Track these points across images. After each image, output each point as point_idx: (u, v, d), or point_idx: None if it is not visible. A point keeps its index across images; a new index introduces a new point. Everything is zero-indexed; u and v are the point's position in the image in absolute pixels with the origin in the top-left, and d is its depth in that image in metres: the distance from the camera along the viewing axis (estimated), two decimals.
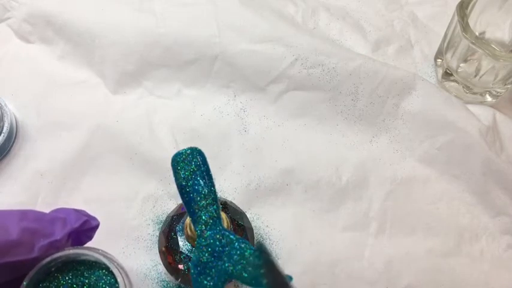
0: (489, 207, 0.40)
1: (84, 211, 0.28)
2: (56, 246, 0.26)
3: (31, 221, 0.25)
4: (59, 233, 0.26)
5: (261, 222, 0.39)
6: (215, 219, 0.25)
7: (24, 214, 0.25)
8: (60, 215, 0.26)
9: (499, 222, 0.40)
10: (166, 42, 0.43)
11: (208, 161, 0.26)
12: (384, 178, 0.41)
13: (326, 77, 0.43)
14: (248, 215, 0.37)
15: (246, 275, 0.23)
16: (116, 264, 0.27)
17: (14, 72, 0.44)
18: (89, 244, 0.28)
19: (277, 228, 0.39)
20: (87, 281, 0.27)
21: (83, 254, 0.27)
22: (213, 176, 0.26)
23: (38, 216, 0.26)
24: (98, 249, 0.27)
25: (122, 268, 0.28)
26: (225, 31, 0.43)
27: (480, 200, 0.40)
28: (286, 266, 0.37)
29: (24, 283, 0.25)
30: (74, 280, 0.26)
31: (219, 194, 0.39)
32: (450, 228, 0.39)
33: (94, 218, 0.28)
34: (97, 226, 0.28)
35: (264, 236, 0.38)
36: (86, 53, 0.44)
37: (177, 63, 0.44)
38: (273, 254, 0.37)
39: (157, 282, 0.36)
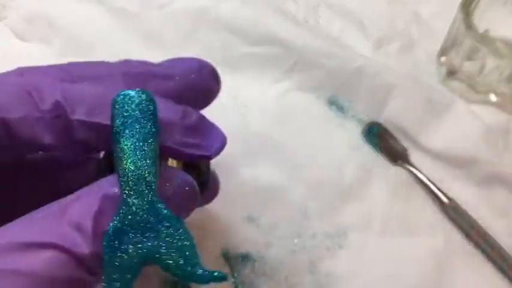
0: (492, 209, 0.40)
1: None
2: None
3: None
4: None
5: (262, 222, 0.39)
6: (149, 183, 0.20)
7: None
8: None
9: (502, 224, 0.39)
10: (167, 46, 0.43)
11: None
12: (386, 178, 0.41)
13: (326, 78, 0.43)
14: (248, 215, 0.37)
15: (171, 261, 0.19)
16: None
17: None
18: None
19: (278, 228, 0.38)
20: None
21: None
22: None
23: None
24: None
25: None
26: (226, 34, 0.43)
27: (483, 201, 0.40)
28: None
29: None
30: None
31: None
32: (453, 229, 0.39)
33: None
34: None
35: (265, 237, 0.38)
36: (85, 53, 0.44)
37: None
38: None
39: None
